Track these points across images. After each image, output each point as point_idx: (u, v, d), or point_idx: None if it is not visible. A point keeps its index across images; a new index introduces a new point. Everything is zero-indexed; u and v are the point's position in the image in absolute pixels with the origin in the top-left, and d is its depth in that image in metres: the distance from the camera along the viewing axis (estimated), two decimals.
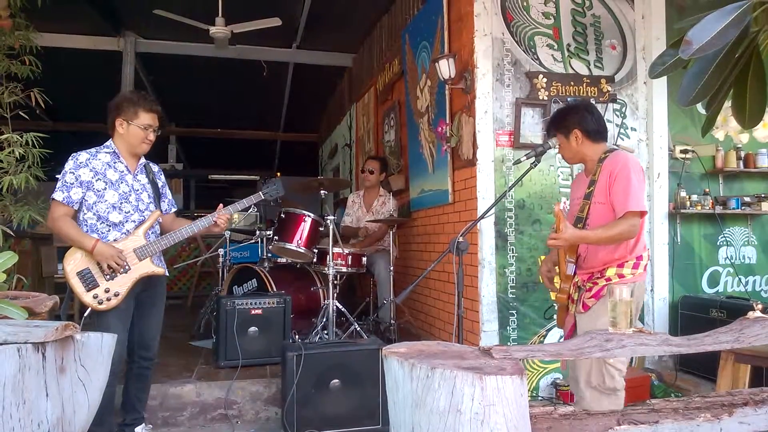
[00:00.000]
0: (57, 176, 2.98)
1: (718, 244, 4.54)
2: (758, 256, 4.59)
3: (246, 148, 13.52)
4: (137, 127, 3.04)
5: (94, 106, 9.44)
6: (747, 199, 4.48)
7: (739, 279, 4.52)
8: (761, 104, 1.99)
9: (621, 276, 2.74)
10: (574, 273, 2.89)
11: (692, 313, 4.21)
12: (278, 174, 12.09)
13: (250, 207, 3.40)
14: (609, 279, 2.74)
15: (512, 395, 1.38)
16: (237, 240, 6.36)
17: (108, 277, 2.93)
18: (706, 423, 1.66)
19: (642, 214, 2.71)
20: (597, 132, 2.89)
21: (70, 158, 3.01)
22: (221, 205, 3.26)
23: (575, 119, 2.89)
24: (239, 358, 4.01)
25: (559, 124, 2.94)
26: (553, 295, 3.28)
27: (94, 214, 2.99)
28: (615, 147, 2.92)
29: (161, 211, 3.22)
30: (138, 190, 3.11)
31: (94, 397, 1.69)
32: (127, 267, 2.96)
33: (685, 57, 1.81)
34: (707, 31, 1.81)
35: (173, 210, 3.37)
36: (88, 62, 8.05)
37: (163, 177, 3.36)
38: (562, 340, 4.03)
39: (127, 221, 3.04)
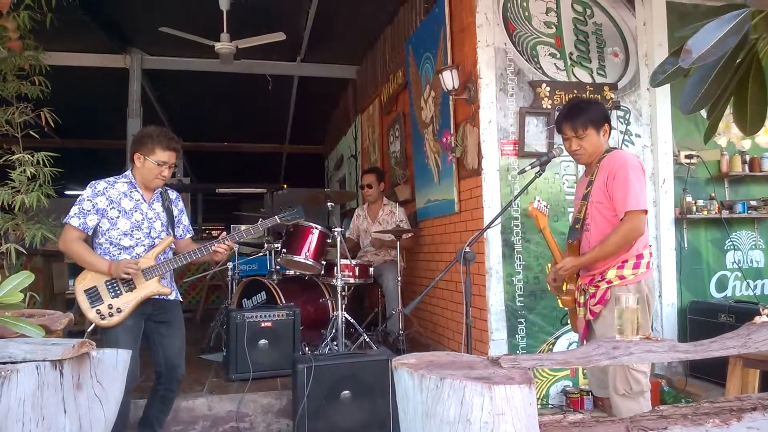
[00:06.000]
0: (67, 192, 3.03)
1: (725, 248, 4.54)
2: (766, 260, 4.59)
3: (252, 161, 13.60)
4: (152, 163, 3.11)
5: (102, 123, 9.62)
6: (753, 202, 4.49)
7: (748, 283, 4.52)
8: (762, 111, 2.00)
9: (622, 277, 2.74)
10: (577, 275, 2.91)
11: (701, 318, 4.21)
12: (285, 186, 12.13)
13: (260, 229, 3.43)
14: (610, 281, 2.75)
15: (521, 404, 1.39)
16: (245, 253, 6.39)
17: (113, 294, 3.00)
18: (715, 428, 1.67)
19: (644, 212, 2.70)
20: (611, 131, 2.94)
21: (89, 186, 3.10)
22: (224, 233, 3.30)
23: (604, 113, 2.90)
24: (250, 370, 4.03)
25: (592, 115, 2.85)
26: (560, 302, 3.30)
27: (107, 239, 3.07)
28: (613, 147, 2.94)
29: (176, 237, 3.28)
30: (152, 218, 3.18)
31: (110, 412, 1.72)
32: (133, 286, 3.04)
33: (686, 66, 1.82)
34: (707, 39, 1.83)
35: (188, 236, 3.42)
36: (96, 80, 8.15)
37: (181, 204, 3.42)
38: (572, 346, 4.04)
39: (137, 245, 3.11)
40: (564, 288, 2.98)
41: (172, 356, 3.22)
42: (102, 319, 2.97)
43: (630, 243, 2.72)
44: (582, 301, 2.88)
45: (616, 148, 2.91)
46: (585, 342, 2.94)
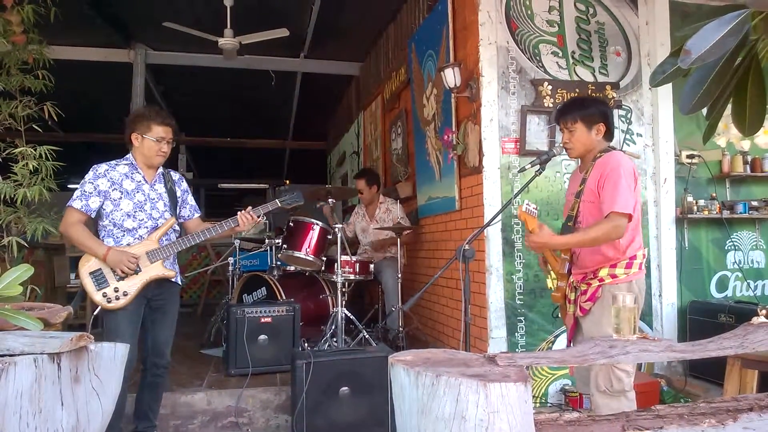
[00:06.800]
0: (69, 186, 3.05)
1: (726, 248, 4.54)
2: (767, 260, 4.59)
3: (255, 157, 13.59)
4: (150, 140, 3.14)
5: (105, 117, 9.62)
6: (754, 203, 4.48)
7: (748, 283, 4.52)
8: (761, 112, 2.01)
9: (614, 276, 2.75)
10: (569, 271, 2.91)
11: (701, 318, 4.21)
12: (287, 182, 12.14)
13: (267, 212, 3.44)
14: (602, 280, 2.76)
15: (516, 402, 1.40)
16: (246, 248, 6.41)
17: (119, 277, 3.02)
18: (711, 428, 1.67)
19: (629, 216, 2.68)
20: (612, 132, 2.93)
21: (91, 169, 3.12)
22: (250, 207, 3.31)
23: (603, 112, 2.87)
24: (249, 366, 4.05)
25: (584, 111, 2.84)
26: (550, 283, 3.31)
27: (111, 221, 3.09)
28: (611, 147, 2.93)
29: (179, 217, 3.31)
30: (154, 199, 3.20)
31: (108, 405, 1.73)
32: (138, 269, 3.05)
33: (685, 66, 1.83)
34: (706, 40, 1.83)
35: (197, 215, 3.44)
36: (99, 74, 8.15)
37: (184, 184, 3.43)
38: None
39: (140, 227, 3.13)
40: (554, 285, 3.00)
41: (160, 344, 3.25)
42: (108, 302, 2.99)
43: (608, 241, 2.70)
44: (572, 298, 2.90)
45: (614, 149, 2.90)
46: (572, 339, 2.97)
